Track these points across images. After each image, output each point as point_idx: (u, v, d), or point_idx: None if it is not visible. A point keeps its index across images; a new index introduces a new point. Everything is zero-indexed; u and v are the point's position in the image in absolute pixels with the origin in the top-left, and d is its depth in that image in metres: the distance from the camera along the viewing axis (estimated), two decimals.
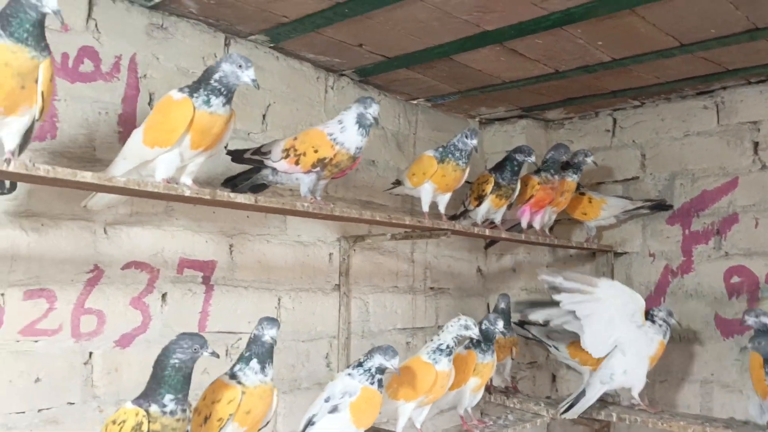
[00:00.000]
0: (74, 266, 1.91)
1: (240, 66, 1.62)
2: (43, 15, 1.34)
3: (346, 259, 2.68)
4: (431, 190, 2.39)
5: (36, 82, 1.34)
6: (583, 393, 2.54)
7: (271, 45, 2.45)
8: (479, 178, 2.65)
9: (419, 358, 2.12)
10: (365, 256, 2.82)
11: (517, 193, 2.66)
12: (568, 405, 2.55)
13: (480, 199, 2.59)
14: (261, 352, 1.73)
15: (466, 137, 2.38)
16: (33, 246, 1.83)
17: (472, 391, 2.32)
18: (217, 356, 1.61)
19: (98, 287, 1.96)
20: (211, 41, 2.29)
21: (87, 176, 1.36)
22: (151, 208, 2.09)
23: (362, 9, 2.10)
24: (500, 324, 2.32)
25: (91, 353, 1.94)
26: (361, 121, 1.98)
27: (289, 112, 2.56)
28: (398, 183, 2.62)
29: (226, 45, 2.34)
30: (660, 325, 2.52)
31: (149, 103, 2.12)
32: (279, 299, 2.48)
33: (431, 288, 3.14)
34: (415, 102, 3.13)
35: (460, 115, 3.38)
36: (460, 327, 2.12)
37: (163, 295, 2.12)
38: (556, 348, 3.01)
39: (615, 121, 3.26)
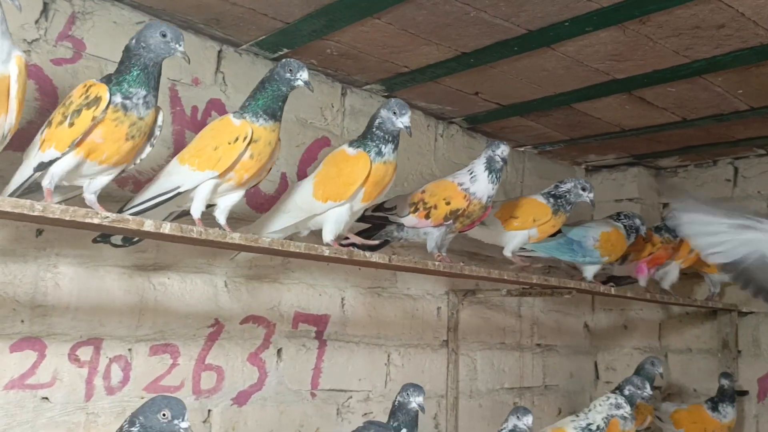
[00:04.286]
0: (196, 320, 1.88)
1: (395, 113, 1.64)
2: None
3: (455, 313, 2.57)
4: (526, 239, 2.24)
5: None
6: None
7: (385, 94, 2.41)
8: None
9: (564, 431, 1.98)
10: (473, 310, 2.70)
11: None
12: None
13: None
14: (408, 420, 1.67)
15: (583, 189, 2.25)
16: (159, 300, 1.81)
17: None
18: None
19: (218, 342, 1.92)
20: (328, 91, 2.27)
21: (236, 237, 1.33)
22: (269, 261, 2.05)
23: (488, 59, 2.04)
24: (648, 388, 2.16)
25: (210, 411, 1.89)
26: (490, 166, 1.92)
27: (400, 161, 2.48)
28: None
29: (343, 95, 2.32)
30: None
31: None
32: (389, 356, 2.39)
33: (538, 345, 2.98)
34: (521, 149, 3.03)
35: (565, 162, 3.25)
36: (611, 407, 1.97)
37: (279, 351, 2.07)
38: (660, 419, 2.79)
39: (736, 170, 3.06)
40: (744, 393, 2.82)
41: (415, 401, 1.66)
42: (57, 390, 1.61)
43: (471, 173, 1.92)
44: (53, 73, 1.65)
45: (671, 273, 2.72)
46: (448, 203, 1.88)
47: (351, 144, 1.67)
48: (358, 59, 2.09)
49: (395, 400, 1.71)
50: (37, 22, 1.64)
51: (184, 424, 1.22)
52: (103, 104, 1.24)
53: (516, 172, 3.00)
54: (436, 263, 1.77)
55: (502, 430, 1.89)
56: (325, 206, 1.62)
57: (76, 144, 1.25)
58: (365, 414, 2.27)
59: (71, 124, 1.24)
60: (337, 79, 2.28)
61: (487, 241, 2.31)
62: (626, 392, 2.15)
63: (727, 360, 2.91)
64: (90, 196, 1.35)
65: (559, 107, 2.44)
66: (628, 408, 1.97)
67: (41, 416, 1.58)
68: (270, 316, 2.05)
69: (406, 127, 1.63)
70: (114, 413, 1.70)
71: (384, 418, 2.30)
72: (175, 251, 1.84)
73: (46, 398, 1.60)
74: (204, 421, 1.87)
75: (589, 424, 1.97)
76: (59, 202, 1.21)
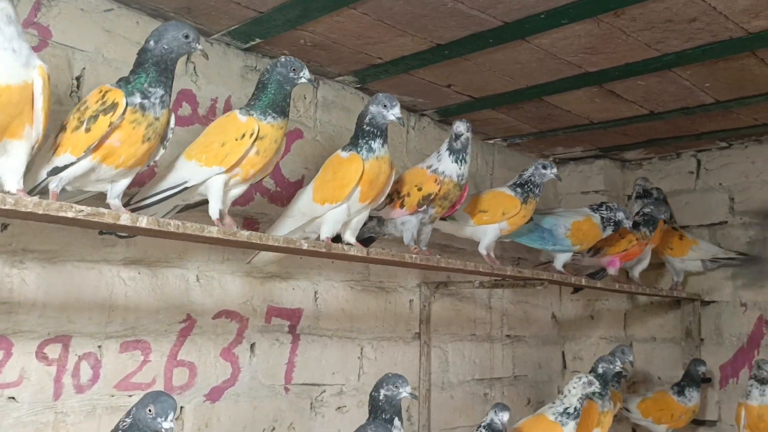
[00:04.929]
0: (168, 316, 1.84)
1: (385, 106, 1.66)
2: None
3: (427, 306, 2.57)
4: (498, 233, 2.25)
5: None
6: None
7: (358, 86, 2.39)
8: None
9: (545, 417, 2.04)
10: (444, 302, 2.71)
11: None
12: None
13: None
14: (396, 411, 1.69)
15: (544, 168, 2.24)
16: (130, 295, 1.76)
17: None
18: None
19: (190, 338, 1.88)
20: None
21: (213, 231, 1.30)
22: (241, 255, 2.01)
23: (462, 51, 2.04)
24: (618, 363, 2.18)
25: (182, 408, 1.85)
26: (451, 147, 1.94)
27: None
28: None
29: (315, 87, 2.29)
30: None
31: None
32: (362, 349, 2.38)
33: (508, 336, 3.01)
34: (491, 142, 3.04)
35: (533, 155, 3.28)
36: (584, 386, 2.02)
37: (252, 346, 2.04)
38: (627, 409, 2.84)
39: (699, 162, 3.13)
40: (707, 380, 2.89)
41: (405, 391, 1.68)
42: (24, 389, 1.56)
43: (438, 154, 1.95)
44: None
45: (643, 261, 2.77)
46: (419, 189, 1.89)
47: (344, 148, 1.72)
48: (331, 50, 2.07)
49: (380, 394, 1.69)
50: None
51: (166, 424, 1.21)
52: (120, 110, 1.24)
53: (486, 164, 3.01)
54: (413, 256, 1.77)
55: (481, 424, 1.91)
56: (324, 209, 1.66)
57: (93, 149, 1.25)
58: (339, 408, 2.26)
59: (88, 130, 1.24)
60: (309, 70, 2.22)
61: (459, 235, 2.31)
62: (600, 370, 2.18)
63: (691, 348, 2.99)
64: (114, 201, 1.36)
65: (530, 100, 2.45)
66: (597, 383, 2.02)
67: (8, 416, 1.53)
68: (243, 310, 2.01)
69: (398, 118, 1.67)
70: (84, 412, 1.66)
71: (358, 412, 2.31)
72: (145, 245, 1.79)
73: (13, 398, 1.54)
74: (176, 418, 1.83)
75: (566, 408, 2.02)
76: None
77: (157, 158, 1.43)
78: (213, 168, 1.45)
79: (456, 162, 1.92)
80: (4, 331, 1.54)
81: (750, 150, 2.96)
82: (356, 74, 2.27)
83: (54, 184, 1.28)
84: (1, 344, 1.53)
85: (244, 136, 1.46)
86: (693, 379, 2.72)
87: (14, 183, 1.14)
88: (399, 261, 1.74)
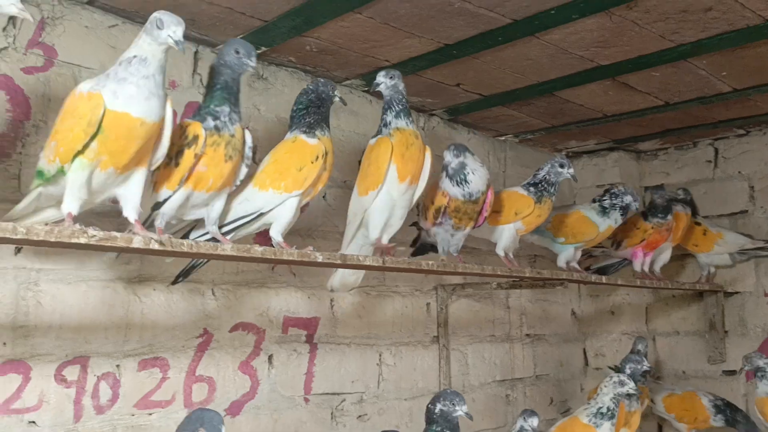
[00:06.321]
0: (185, 331, 1.83)
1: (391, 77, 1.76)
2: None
3: (444, 308, 2.54)
4: (514, 233, 2.21)
5: None
6: None
7: (365, 89, 2.36)
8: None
9: (577, 419, 2.02)
10: (461, 303, 2.68)
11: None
12: None
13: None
14: (451, 427, 1.71)
15: (561, 167, 2.21)
16: (146, 312, 1.75)
17: None
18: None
19: (208, 352, 1.87)
20: None
21: (227, 248, 1.28)
22: (255, 266, 2.00)
23: (471, 50, 2.00)
24: (645, 362, 2.15)
25: None
26: (446, 173, 1.92)
27: None
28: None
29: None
30: None
31: (253, 158, 2.03)
32: (380, 355, 2.35)
33: (527, 335, 2.97)
34: (503, 138, 3.00)
35: (546, 150, 3.23)
36: (615, 385, 2.00)
37: (270, 357, 2.02)
38: (651, 400, 2.79)
39: (717, 151, 3.07)
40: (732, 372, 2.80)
41: (461, 410, 1.71)
42: (44, 413, 1.55)
43: (444, 171, 1.94)
44: (24, 82, 1.57)
45: (664, 254, 2.72)
46: (432, 203, 1.93)
47: (372, 137, 1.78)
48: (338, 55, 2.04)
49: (435, 407, 1.72)
50: (4, 29, 1.56)
51: None
52: (201, 141, 1.34)
53: (498, 161, 2.98)
54: (430, 262, 1.74)
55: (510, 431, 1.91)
56: (369, 198, 1.70)
57: (185, 180, 1.36)
58: (360, 416, 2.24)
59: (177, 164, 1.35)
60: (316, 75, 2.22)
61: (476, 236, 2.28)
62: (627, 370, 2.15)
63: (715, 341, 2.92)
64: (212, 228, 1.44)
65: (542, 96, 2.41)
66: (632, 384, 1.99)
67: None
68: (259, 322, 2.00)
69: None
70: None
71: (379, 419, 2.29)
72: (159, 261, 1.78)
73: (33, 422, 1.53)
74: None
75: (599, 408, 2.00)
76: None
77: (241, 177, 1.49)
78: (293, 193, 1.52)
79: (457, 185, 1.90)
80: (22, 356, 1.53)
81: None
82: (364, 78, 2.24)
83: (158, 221, 1.38)
84: (20, 369, 1.52)
85: (317, 158, 1.54)
86: (737, 418, 2.64)
87: (133, 212, 1.27)
88: (416, 268, 1.71)
